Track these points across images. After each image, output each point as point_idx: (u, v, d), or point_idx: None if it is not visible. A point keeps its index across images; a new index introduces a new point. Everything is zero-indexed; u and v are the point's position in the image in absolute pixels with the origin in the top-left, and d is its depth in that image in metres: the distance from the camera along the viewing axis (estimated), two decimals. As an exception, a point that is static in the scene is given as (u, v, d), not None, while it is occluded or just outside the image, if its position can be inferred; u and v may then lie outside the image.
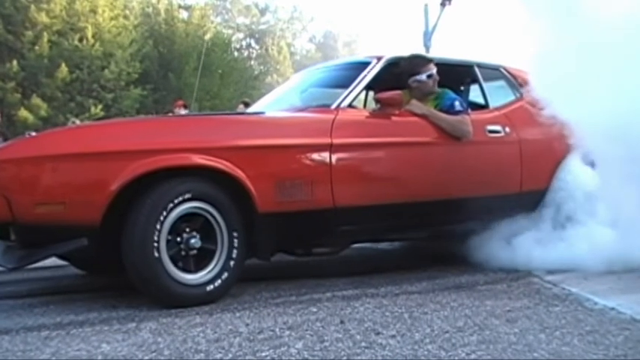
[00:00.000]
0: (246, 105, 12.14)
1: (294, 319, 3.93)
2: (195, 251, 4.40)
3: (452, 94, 5.71)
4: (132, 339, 3.58)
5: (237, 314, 4.10)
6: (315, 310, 4.17)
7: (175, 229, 4.34)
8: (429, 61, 5.77)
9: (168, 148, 4.41)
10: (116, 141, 4.37)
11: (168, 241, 4.28)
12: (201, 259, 4.44)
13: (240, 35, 53.63)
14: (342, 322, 3.84)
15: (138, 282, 4.31)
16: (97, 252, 4.43)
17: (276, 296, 4.64)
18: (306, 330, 3.68)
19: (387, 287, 4.88)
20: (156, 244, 4.19)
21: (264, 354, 3.26)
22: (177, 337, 3.59)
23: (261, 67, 48.35)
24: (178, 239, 4.35)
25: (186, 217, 4.39)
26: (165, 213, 4.25)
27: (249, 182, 4.57)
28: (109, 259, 4.57)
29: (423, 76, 5.66)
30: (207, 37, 32.57)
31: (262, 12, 55.97)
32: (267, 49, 51.17)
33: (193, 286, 4.37)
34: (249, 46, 54.59)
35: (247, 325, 3.82)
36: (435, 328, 3.70)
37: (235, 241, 4.51)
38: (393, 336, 3.54)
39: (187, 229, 4.39)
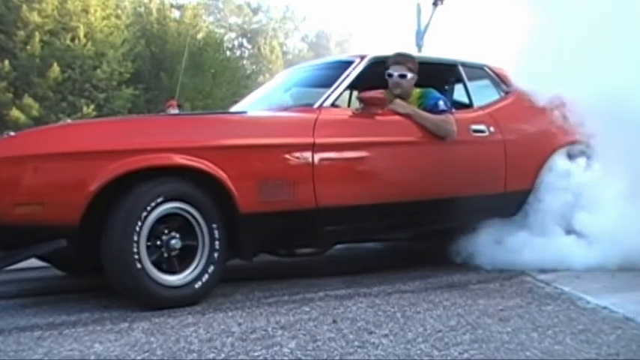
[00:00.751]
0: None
1: (286, 319, 3.92)
2: (176, 251, 4.38)
3: (436, 94, 5.69)
4: (124, 339, 3.57)
5: (230, 314, 4.09)
6: (307, 309, 4.17)
7: (154, 233, 4.30)
8: (395, 60, 5.72)
9: (148, 148, 4.37)
10: (96, 141, 4.33)
11: (148, 247, 4.24)
12: (184, 258, 4.41)
13: (233, 35, 53.59)
14: (334, 321, 3.84)
15: (124, 292, 4.31)
16: (76, 253, 4.40)
17: (268, 296, 4.64)
18: (299, 329, 3.68)
19: (380, 286, 4.88)
20: (137, 256, 4.17)
21: (256, 354, 3.26)
22: (170, 336, 3.59)
23: (254, 67, 48.36)
24: (158, 242, 4.32)
25: (164, 218, 4.35)
26: (140, 223, 4.19)
27: (231, 182, 4.55)
28: (90, 260, 4.51)
29: (386, 74, 5.67)
30: (200, 36, 32.58)
31: (254, 11, 55.92)
32: (259, 49, 51.12)
33: (181, 286, 4.36)
34: (241, 45, 54.55)
35: (240, 324, 3.82)
36: (427, 327, 3.70)
37: (216, 232, 4.48)
38: (386, 335, 3.54)
39: (166, 231, 4.36)
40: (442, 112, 5.54)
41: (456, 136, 5.55)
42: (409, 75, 5.62)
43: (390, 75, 5.64)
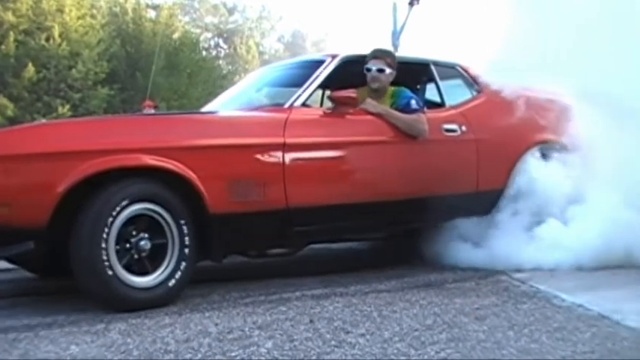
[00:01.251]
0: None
1: (263, 319, 3.92)
2: (146, 252, 4.35)
3: (408, 93, 5.70)
4: (101, 340, 3.56)
5: (207, 314, 4.09)
6: (284, 309, 4.17)
7: (122, 236, 4.26)
8: (374, 55, 5.73)
9: (118, 148, 4.34)
10: (65, 141, 4.28)
11: (117, 252, 4.21)
12: (154, 257, 4.38)
13: (209, 35, 53.42)
14: (311, 321, 3.85)
15: (97, 299, 4.29)
16: (47, 255, 4.36)
17: (245, 296, 4.63)
18: (276, 329, 3.68)
19: (357, 286, 4.88)
20: (107, 262, 4.14)
21: (233, 354, 3.26)
22: (147, 337, 3.58)
23: (230, 67, 48.19)
24: (127, 245, 4.29)
25: (131, 220, 4.32)
26: (107, 229, 4.15)
27: (200, 183, 4.52)
28: (60, 263, 4.44)
29: (364, 68, 5.67)
30: (176, 36, 32.45)
31: (230, 11, 55.75)
32: (235, 49, 50.97)
33: (155, 287, 4.34)
34: (217, 45, 54.36)
35: (217, 325, 3.82)
36: (404, 326, 3.71)
37: (184, 228, 4.45)
38: (363, 334, 3.55)
39: (134, 232, 4.32)
40: (414, 111, 5.55)
41: (427, 135, 5.55)
42: (387, 70, 5.63)
43: (369, 69, 5.65)
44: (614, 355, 3.20)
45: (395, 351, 3.26)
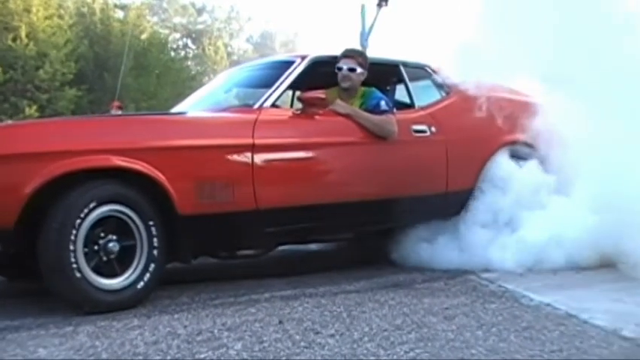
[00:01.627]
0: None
1: (232, 320, 3.92)
2: (115, 254, 4.32)
3: (378, 94, 5.71)
4: (69, 343, 3.54)
5: (176, 316, 4.07)
6: (253, 310, 4.17)
7: (90, 238, 4.24)
8: (345, 54, 5.74)
9: (86, 149, 4.31)
10: (32, 142, 4.25)
11: (86, 254, 4.19)
12: (123, 259, 4.36)
13: (177, 35, 53.20)
14: (280, 322, 3.85)
15: (66, 301, 4.26)
16: (13, 258, 4.32)
17: (214, 297, 4.62)
18: (245, 331, 3.68)
19: (326, 287, 4.89)
20: (75, 265, 4.11)
21: (202, 356, 3.25)
22: (115, 340, 3.56)
23: (198, 68, 47.96)
24: (96, 247, 4.27)
25: (99, 222, 4.29)
26: (75, 231, 4.12)
27: (169, 184, 4.51)
28: (28, 265, 4.41)
29: (336, 67, 5.68)
30: (144, 36, 32.29)
31: (199, 12, 55.54)
32: (204, 49, 50.74)
33: (124, 289, 4.33)
34: (185, 46, 54.12)
35: (185, 326, 3.81)
36: (373, 326, 3.72)
37: (153, 229, 4.44)
38: (332, 335, 3.55)
39: (102, 234, 4.30)
40: (383, 112, 5.56)
41: (397, 136, 5.56)
42: (358, 69, 5.64)
43: (340, 68, 5.66)
44: (582, 353, 3.22)
45: (364, 351, 3.27)
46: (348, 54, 5.73)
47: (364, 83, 5.73)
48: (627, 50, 5.50)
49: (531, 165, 5.88)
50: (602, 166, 5.28)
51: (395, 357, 3.18)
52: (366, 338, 3.48)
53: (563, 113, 5.63)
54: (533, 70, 5.97)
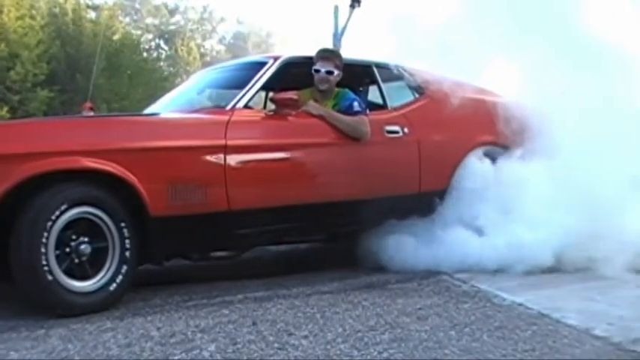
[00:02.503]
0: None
1: (206, 322, 3.91)
2: (87, 256, 4.30)
3: (351, 95, 5.72)
4: (41, 346, 3.51)
5: (149, 318, 4.06)
6: (227, 312, 4.16)
7: (62, 240, 4.21)
8: (322, 56, 5.74)
9: (56, 150, 4.28)
10: (2, 143, 4.20)
11: (57, 256, 4.16)
12: (95, 261, 4.34)
13: (150, 36, 53.05)
14: (254, 323, 3.84)
15: (39, 304, 4.23)
16: None
17: (187, 299, 4.61)
18: (219, 332, 3.67)
19: (299, 288, 4.89)
20: (47, 267, 4.08)
21: (176, 357, 3.25)
22: (88, 342, 3.54)
23: (171, 68, 47.85)
24: (67, 250, 4.23)
25: (70, 224, 4.26)
26: (46, 233, 4.10)
27: (141, 185, 4.49)
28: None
29: (313, 69, 5.68)
30: (116, 37, 32.17)
31: (172, 12, 55.42)
32: (176, 50, 50.63)
33: (96, 291, 4.30)
34: (158, 47, 53.98)
35: (159, 328, 3.79)
36: (347, 327, 3.72)
37: (125, 231, 4.42)
38: (306, 336, 3.55)
39: (73, 236, 4.27)
40: (356, 113, 5.56)
41: (369, 137, 5.57)
42: (336, 72, 5.65)
43: (318, 70, 5.65)
44: (554, 352, 3.24)
45: (338, 352, 3.28)
46: (326, 56, 5.74)
47: (337, 84, 5.73)
48: (599, 47, 5.57)
49: (504, 165, 5.89)
50: (574, 165, 5.32)
51: (369, 357, 3.19)
52: (339, 339, 3.49)
53: (537, 113, 5.66)
54: (507, 70, 6.02)
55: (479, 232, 5.57)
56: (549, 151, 5.48)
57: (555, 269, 5.19)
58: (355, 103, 5.60)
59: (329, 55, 5.78)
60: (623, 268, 4.97)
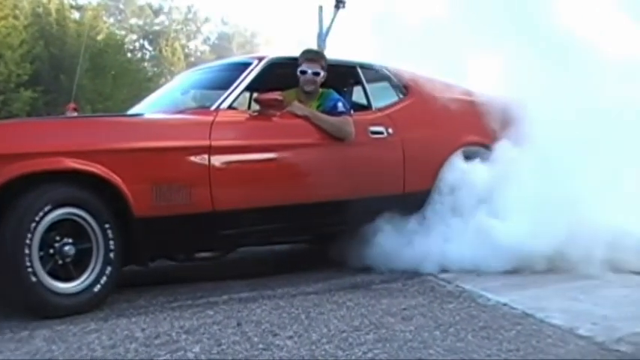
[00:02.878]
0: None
1: (190, 323, 3.90)
2: (71, 257, 4.28)
3: (335, 95, 5.73)
4: (25, 347, 3.51)
5: (133, 319, 4.05)
6: (211, 313, 4.16)
7: (46, 242, 4.19)
8: (308, 57, 5.75)
9: (40, 151, 4.26)
10: None
11: (41, 258, 4.14)
12: (79, 262, 4.33)
13: (134, 36, 52.91)
14: (239, 324, 3.84)
15: (23, 307, 4.22)
16: None
17: (172, 300, 4.60)
18: (203, 333, 3.67)
19: (284, 288, 4.89)
20: (30, 269, 4.06)
21: (161, 359, 3.25)
22: (72, 344, 3.53)
23: (155, 69, 47.73)
24: (51, 251, 4.22)
25: (54, 225, 4.24)
26: (30, 235, 4.08)
27: (125, 186, 4.48)
28: None
29: (299, 71, 5.68)
30: (100, 37, 32.07)
31: (156, 13, 55.32)
32: (160, 51, 50.52)
33: (80, 292, 4.29)
34: (142, 47, 53.86)
35: (143, 330, 3.79)
36: (331, 328, 3.73)
37: (109, 232, 4.41)
38: (291, 337, 3.55)
39: (57, 237, 4.25)
40: (341, 113, 5.57)
41: (354, 137, 5.58)
42: (322, 73, 5.67)
43: (304, 72, 5.66)
44: (538, 352, 3.26)
45: (323, 352, 3.28)
46: (313, 57, 5.74)
47: (322, 85, 5.73)
48: (577, 44, 5.62)
49: (487, 165, 5.90)
50: (551, 166, 5.34)
51: (353, 358, 3.19)
52: (324, 339, 3.49)
53: (519, 111, 5.69)
54: (489, 69, 6.05)
55: (459, 232, 5.57)
56: (530, 148, 5.50)
57: (539, 269, 5.19)
58: (339, 104, 5.61)
59: (315, 56, 5.79)
60: (600, 266, 4.99)
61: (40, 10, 31.06)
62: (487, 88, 6.20)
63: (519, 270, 5.16)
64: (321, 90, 5.73)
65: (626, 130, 5.43)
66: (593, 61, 5.62)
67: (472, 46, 6.14)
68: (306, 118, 5.46)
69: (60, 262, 4.24)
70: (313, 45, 17.56)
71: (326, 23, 18.11)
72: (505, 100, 5.87)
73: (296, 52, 5.80)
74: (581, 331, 3.55)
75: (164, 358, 3.26)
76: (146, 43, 54.43)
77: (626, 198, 5.26)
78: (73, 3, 36.85)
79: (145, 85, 32.83)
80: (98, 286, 4.35)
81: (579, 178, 5.22)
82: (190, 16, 58.15)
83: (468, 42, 6.05)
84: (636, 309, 4.08)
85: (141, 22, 54.73)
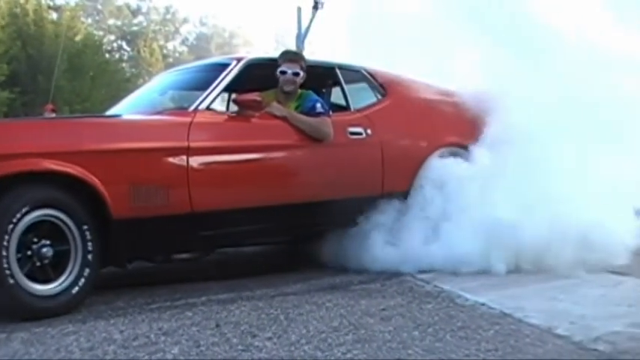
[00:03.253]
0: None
1: (169, 325, 3.89)
2: (49, 259, 4.26)
3: (314, 96, 5.74)
4: (2, 350, 3.48)
5: (112, 321, 4.04)
6: (190, 314, 4.15)
7: (24, 243, 4.17)
8: (288, 58, 5.75)
9: (17, 152, 4.23)
10: None
11: (19, 260, 4.12)
12: (57, 264, 4.30)
13: (112, 37, 52.68)
14: (217, 325, 3.84)
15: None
16: None
17: (150, 302, 4.59)
18: (182, 335, 3.66)
19: (263, 289, 4.88)
20: (8, 271, 4.05)
21: (139, 360, 3.23)
22: (50, 346, 3.52)
23: (133, 70, 47.58)
24: (29, 253, 4.20)
25: (32, 226, 4.22)
26: (7, 236, 4.06)
27: (103, 187, 4.46)
28: None
29: (278, 71, 5.67)
30: (78, 38, 31.94)
31: (134, 13, 55.11)
32: (139, 51, 50.33)
33: (58, 294, 4.27)
34: (120, 48, 53.60)
35: (122, 332, 3.77)
36: (310, 328, 3.73)
37: (87, 234, 4.39)
38: (270, 338, 3.55)
39: (35, 239, 4.23)
40: (319, 114, 5.58)
41: (332, 138, 5.58)
42: (301, 73, 5.66)
43: (284, 72, 5.65)
44: (516, 352, 3.27)
45: (302, 353, 3.28)
46: (292, 58, 5.75)
47: (300, 86, 5.73)
48: (558, 45, 5.65)
49: (464, 166, 5.92)
50: (532, 166, 5.37)
51: (332, 358, 3.19)
52: (303, 340, 3.49)
53: (499, 113, 5.72)
54: (469, 68, 6.08)
55: (437, 232, 5.58)
56: (507, 147, 5.53)
57: (518, 269, 5.21)
58: (318, 105, 5.61)
59: (295, 56, 5.80)
60: (571, 263, 5.02)
61: (18, 10, 30.88)
62: (465, 85, 6.23)
63: (487, 271, 5.18)
64: (299, 91, 5.73)
65: (602, 124, 5.47)
66: (568, 57, 5.66)
67: (450, 44, 6.17)
68: (284, 118, 5.46)
69: (38, 263, 4.22)
70: (292, 46, 17.58)
71: (304, 24, 18.08)
72: (482, 96, 5.90)
73: (275, 53, 5.81)
74: (559, 331, 3.57)
75: (143, 359, 3.25)
76: (124, 44, 54.20)
77: (599, 195, 5.29)
78: (51, 3, 36.70)
79: (123, 86, 32.72)
80: (76, 287, 4.33)
81: (555, 176, 5.25)
82: (169, 16, 57.96)
83: (446, 39, 6.08)
84: (614, 308, 4.11)
85: (119, 23, 54.49)
